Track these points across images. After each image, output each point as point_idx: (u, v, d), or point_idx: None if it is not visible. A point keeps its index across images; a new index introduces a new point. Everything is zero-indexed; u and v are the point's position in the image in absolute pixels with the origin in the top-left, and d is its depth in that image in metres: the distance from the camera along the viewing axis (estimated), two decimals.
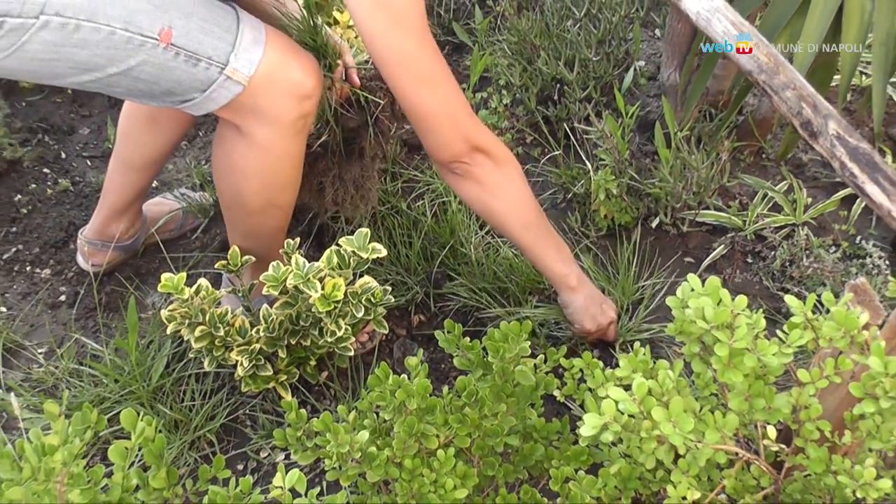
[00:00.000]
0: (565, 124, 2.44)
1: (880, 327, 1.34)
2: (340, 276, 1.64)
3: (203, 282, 1.72)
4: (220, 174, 1.81)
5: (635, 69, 2.57)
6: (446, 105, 1.60)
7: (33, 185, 2.50)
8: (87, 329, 2.12)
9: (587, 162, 2.30)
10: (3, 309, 2.19)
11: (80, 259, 2.22)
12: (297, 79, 1.64)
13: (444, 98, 1.59)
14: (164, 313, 1.71)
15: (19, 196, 2.47)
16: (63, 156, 2.60)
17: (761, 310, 1.23)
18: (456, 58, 2.82)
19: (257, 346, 1.72)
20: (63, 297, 2.22)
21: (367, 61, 1.87)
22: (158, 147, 2.06)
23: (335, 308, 1.63)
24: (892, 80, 2.42)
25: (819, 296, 1.30)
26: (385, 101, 1.89)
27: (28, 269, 2.29)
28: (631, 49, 2.63)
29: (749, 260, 2.16)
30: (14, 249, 2.34)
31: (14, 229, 2.39)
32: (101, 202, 2.15)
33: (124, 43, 1.49)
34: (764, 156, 2.42)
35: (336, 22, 2.08)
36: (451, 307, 2.04)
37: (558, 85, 2.52)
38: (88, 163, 2.58)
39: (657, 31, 2.81)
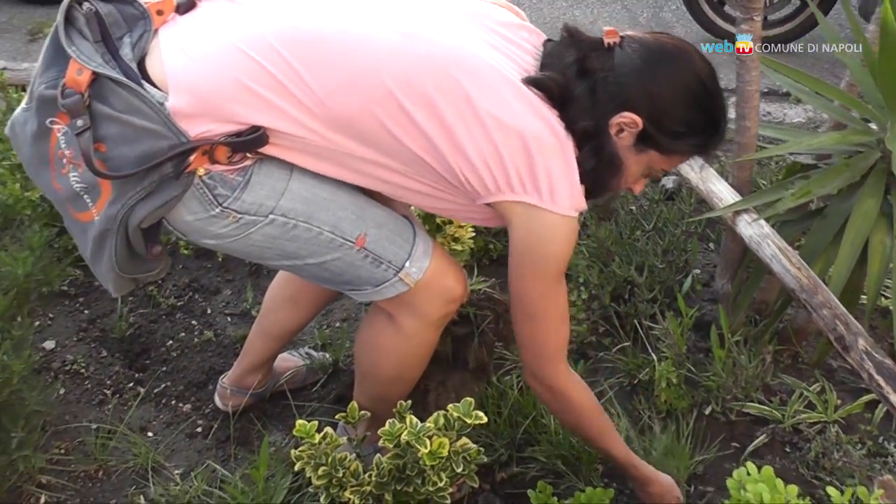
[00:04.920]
0: (634, 320, 2.53)
1: None
2: (445, 436, 1.74)
3: (329, 430, 1.82)
4: (364, 347, 1.94)
5: (693, 276, 2.67)
6: (536, 343, 1.72)
7: (182, 334, 2.65)
8: (217, 458, 2.20)
9: (651, 353, 2.37)
10: (150, 434, 2.30)
11: (217, 399, 2.33)
12: (450, 286, 1.78)
13: (538, 337, 1.71)
14: (293, 452, 1.80)
15: (171, 341, 2.62)
16: (209, 311, 2.74)
17: (808, 497, 1.30)
18: None
19: (368, 488, 1.79)
20: (199, 429, 2.32)
21: (480, 290, 1.99)
22: (296, 322, 2.19)
23: (439, 462, 1.72)
24: None
25: (842, 486, 1.36)
26: (491, 317, 1.99)
27: (173, 402, 2.41)
28: (690, 259, 2.75)
29: (787, 449, 2.19)
30: (163, 385, 2.46)
31: (164, 368, 2.52)
32: (241, 358, 2.27)
33: (328, 242, 1.65)
34: (800, 359, 2.47)
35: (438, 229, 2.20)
36: (531, 469, 2.09)
37: (629, 286, 2.63)
38: (229, 319, 2.71)
39: (711, 245, 2.93)
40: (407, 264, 1.72)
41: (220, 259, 2.90)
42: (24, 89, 3.04)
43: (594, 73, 1.59)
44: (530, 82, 1.56)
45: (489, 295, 2.08)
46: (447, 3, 1.65)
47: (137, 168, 1.49)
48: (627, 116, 1.57)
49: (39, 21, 5.03)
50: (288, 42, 1.52)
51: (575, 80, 1.58)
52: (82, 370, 2.50)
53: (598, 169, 1.61)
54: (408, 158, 1.58)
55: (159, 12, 1.57)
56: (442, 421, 1.75)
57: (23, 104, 1.61)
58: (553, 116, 1.56)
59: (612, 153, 1.62)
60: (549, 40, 1.69)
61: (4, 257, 1.96)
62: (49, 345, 2.59)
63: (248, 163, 1.58)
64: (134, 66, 1.52)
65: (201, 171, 1.54)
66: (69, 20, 1.53)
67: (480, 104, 1.51)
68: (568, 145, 1.56)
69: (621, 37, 1.62)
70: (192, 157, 1.51)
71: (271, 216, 1.61)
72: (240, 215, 1.60)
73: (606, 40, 1.61)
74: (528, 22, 1.72)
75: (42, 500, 2.12)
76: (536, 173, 1.53)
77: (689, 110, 1.60)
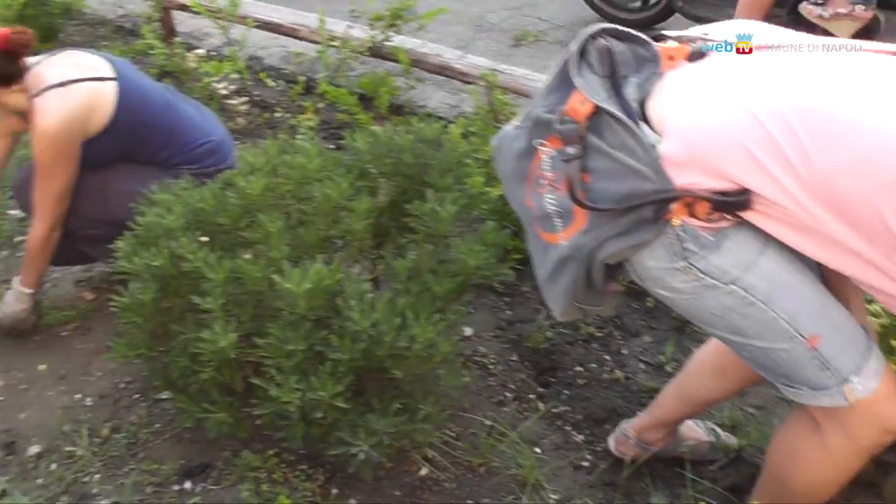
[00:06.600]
0: None
1: None
2: None
3: None
4: (778, 448, 1.85)
5: None
6: None
7: (593, 365, 2.69)
8: (596, 499, 2.21)
9: None
10: (538, 450, 2.36)
11: (612, 443, 2.33)
12: (893, 415, 1.65)
13: None
14: None
15: (580, 368, 2.68)
16: (624, 352, 2.77)
17: None
18: None
19: None
20: (586, 464, 2.34)
21: None
22: (716, 394, 2.14)
23: None
24: None
25: None
26: None
27: (568, 428, 2.46)
28: None
29: None
30: (563, 408, 2.52)
31: (568, 392, 2.58)
32: (650, 411, 2.26)
33: (780, 331, 1.60)
34: None
35: None
36: None
37: None
38: (642, 366, 2.71)
39: None
40: (854, 379, 1.61)
41: (648, 304, 2.92)
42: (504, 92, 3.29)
43: None
44: None
45: None
46: None
47: (618, 205, 1.55)
48: None
49: (526, 29, 5.37)
50: (802, 114, 1.48)
51: None
52: (490, 366, 2.65)
53: None
54: None
55: (670, 57, 1.61)
56: None
57: (515, 121, 1.75)
58: None
59: None
60: None
61: (461, 246, 2.12)
62: (467, 331, 2.77)
63: (724, 224, 1.57)
64: (635, 105, 1.57)
65: (676, 222, 1.56)
66: (583, 52, 1.62)
67: None
68: None
69: None
70: (673, 206, 1.54)
71: (732, 286, 1.59)
72: (702, 275, 1.59)
73: None
74: None
75: (423, 471, 2.28)
76: None
77: None
